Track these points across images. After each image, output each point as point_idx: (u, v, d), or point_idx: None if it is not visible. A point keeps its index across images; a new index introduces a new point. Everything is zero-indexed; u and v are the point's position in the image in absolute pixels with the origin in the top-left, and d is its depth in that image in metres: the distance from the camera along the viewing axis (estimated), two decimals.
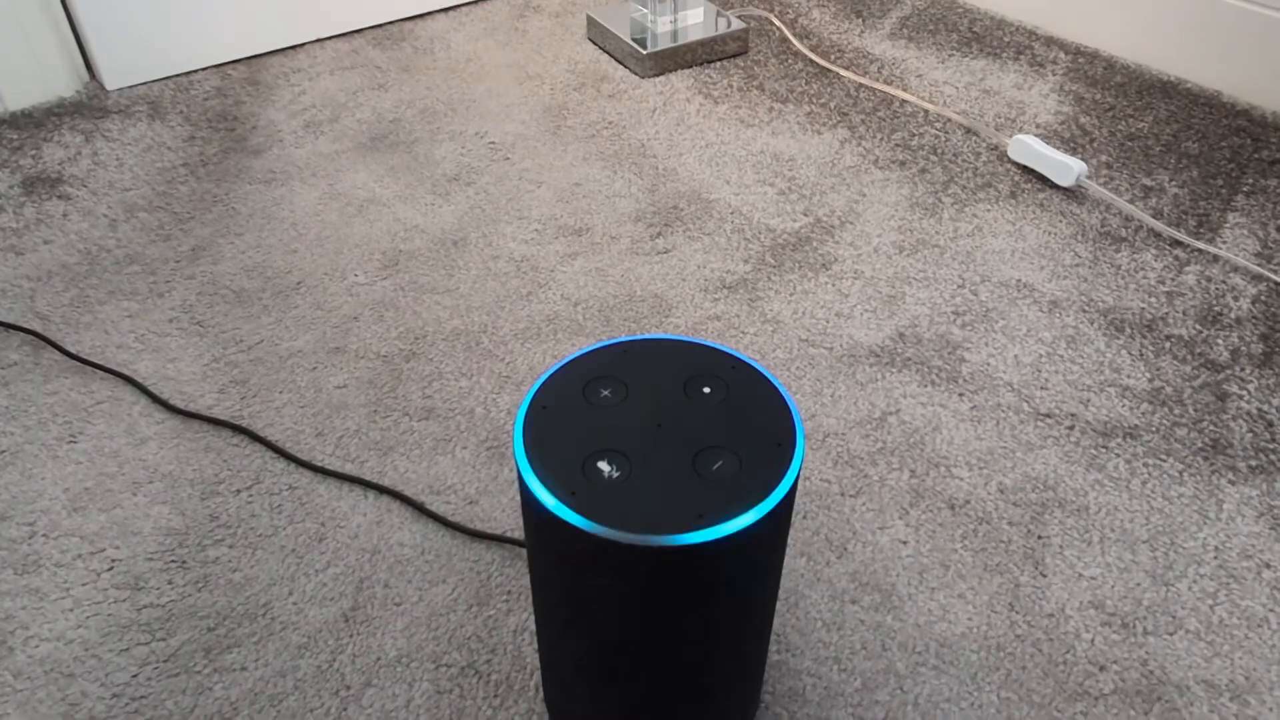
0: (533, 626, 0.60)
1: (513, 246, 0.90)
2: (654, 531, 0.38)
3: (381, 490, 0.68)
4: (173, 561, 0.63)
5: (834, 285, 0.86)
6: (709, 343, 0.46)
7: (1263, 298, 0.84)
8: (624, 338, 0.46)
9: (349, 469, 0.70)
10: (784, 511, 0.41)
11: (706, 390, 0.44)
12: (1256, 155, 1.01)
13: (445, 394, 0.75)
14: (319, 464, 0.70)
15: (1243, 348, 0.79)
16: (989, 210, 0.95)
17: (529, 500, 0.40)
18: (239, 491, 0.68)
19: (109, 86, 1.12)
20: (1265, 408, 0.74)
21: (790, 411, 0.43)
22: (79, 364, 0.78)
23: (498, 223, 0.93)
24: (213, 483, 0.69)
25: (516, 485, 0.68)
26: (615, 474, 0.40)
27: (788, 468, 0.40)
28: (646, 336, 0.47)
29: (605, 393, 0.44)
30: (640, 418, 0.43)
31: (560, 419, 0.42)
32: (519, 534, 0.65)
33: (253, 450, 0.71)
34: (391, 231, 0.92)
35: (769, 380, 0.45)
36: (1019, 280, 0.86)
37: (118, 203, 0.95)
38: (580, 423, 0.42)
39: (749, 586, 0.43)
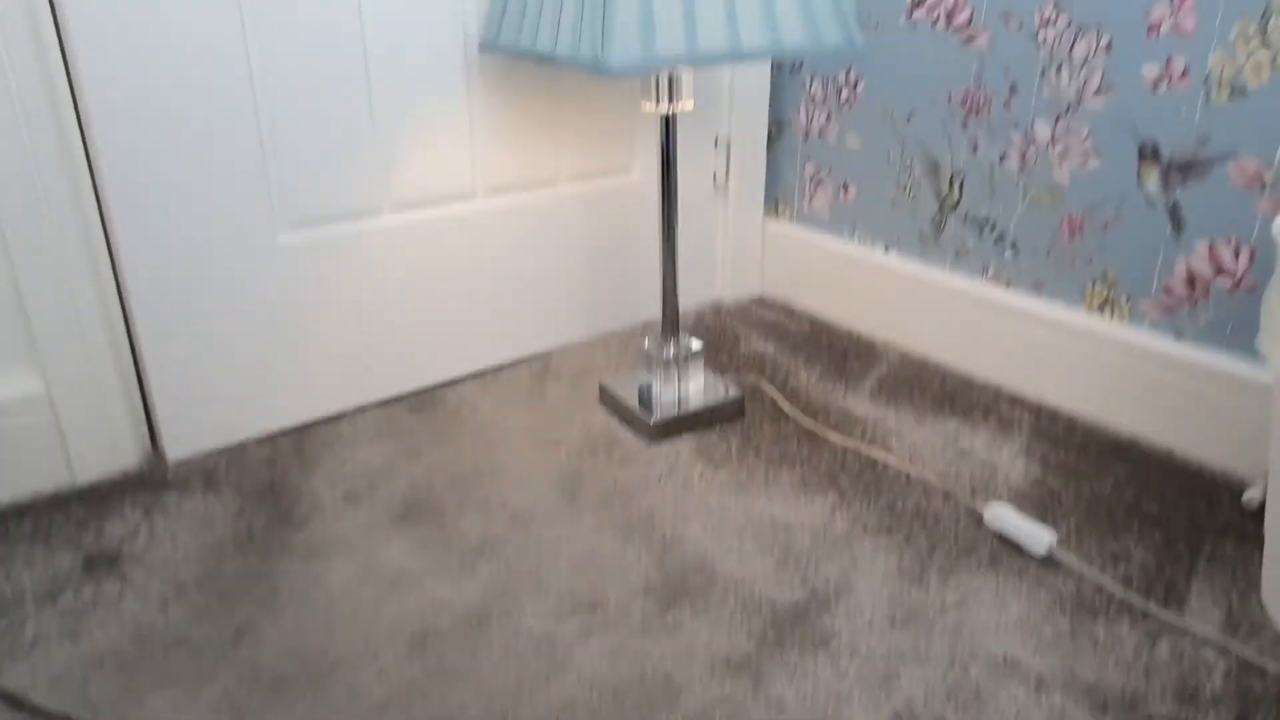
0: None
1: (532, 623, 0.97)
2: None
3: None
4: None
5: (832, 664, 0.92)
6: None
7: (1234, 673, 0.90)
8: None
9: None
10: None
11: None
12: (1212, 518, 1.10)
13: None
14: None
15: None
16: (972, 579, 1.03)
17: None
18: None
19: (171, 458, 1.24)
20: None
21: None
22: None
23: (519, 597, 1.01)
24: None
25: None
26: None
27: None
28: None
29: None
30: None
31: None
32: None
33: None
34: (420, 609, 0.99)
35: None
36: (1006, 655, 0.92)
37: (170, 580, 1.03)
38: None
39: None
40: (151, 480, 1.21)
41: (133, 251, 1.14)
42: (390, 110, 1.27)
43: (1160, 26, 1.16)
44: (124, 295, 1.18)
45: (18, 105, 1.05)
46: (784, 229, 1.74)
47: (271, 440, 1.29)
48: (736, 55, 1.00)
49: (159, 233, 1.15)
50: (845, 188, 1.62)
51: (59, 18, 1.05)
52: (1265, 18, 1.07)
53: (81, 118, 1.10)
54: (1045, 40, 1.28)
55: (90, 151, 1.11)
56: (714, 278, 1.76)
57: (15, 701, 0.88)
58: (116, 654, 0.94)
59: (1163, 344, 1.23)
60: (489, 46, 1.20)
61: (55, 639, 0.96)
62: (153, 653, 0.94)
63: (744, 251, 1.76)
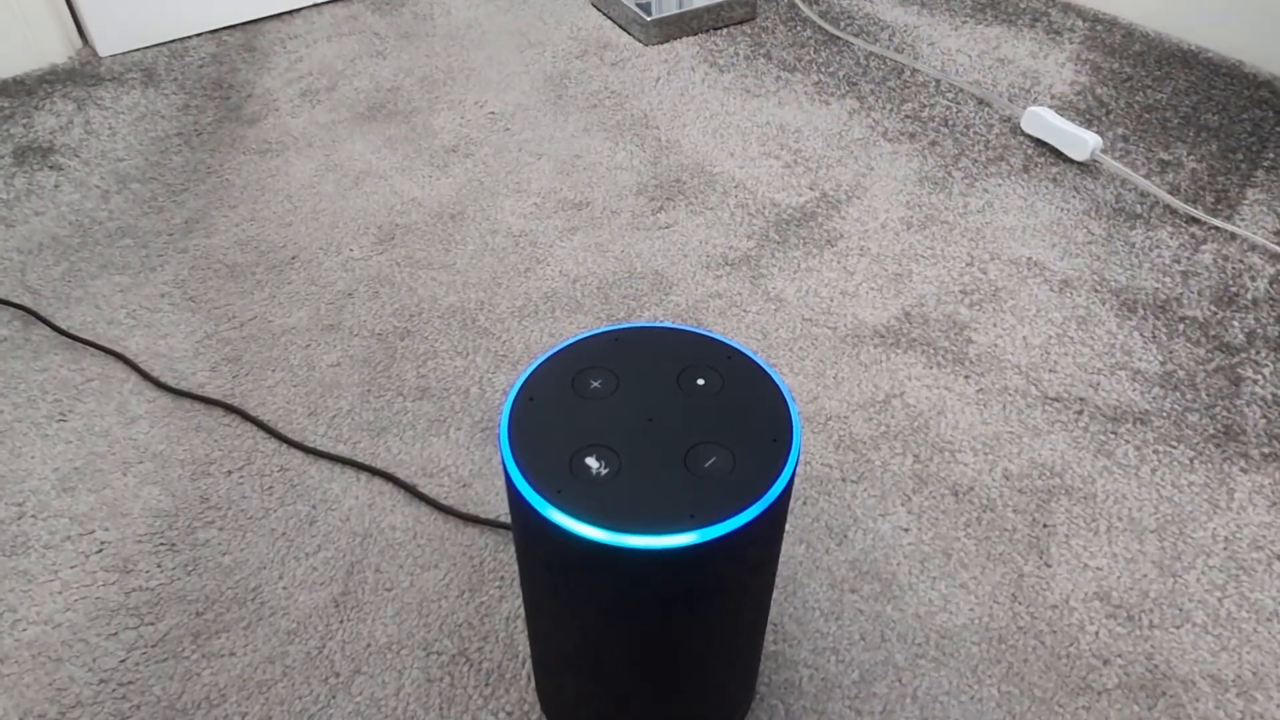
0: (525, 613, 0.59)
1: (511, 221, 0.88)
2: (643, 532, 0.36)
3: (374, 472, 0.67)
4: (162, 544, 0.62)
5: (839, 262, 0.84)
6: (703, 331, 0.45)
7: None
8: (615, 325, 0.45)
9: (341, 450, 0.68)
10: (778, 510, 0.40)
11: (700, 382, 0.42)
12: (1278, 129, 0.98)
13: (440, 373, 0.74)
14: (311, 444, 0.69)
15: (1259, 330, 0.77)
16: (1000, 185, 0.92)
17: (515, 498, 0.39)
18: (230, 472, 0.67)
19: (102, 53, 1.09)
20: None
21: (787, 405, 0.41)
22: (70, 340, 0.76)
23: (496, 196, 0.91)
24: (203, 463, 0.67)
25: None
26: (604, 471, 0.39)
27: (783, 465, 0.39)
28: (638, 324, 0.45)
29: (595, 384, 0.42)
30: (631, 411, 0.41)
31: (548, 412, 0.41)
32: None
33: (244, 430, 0.70)
34: (388, 204, 0.90)
35: (765, 371, 0.43)
36: (1029, 258, 0.84)
37: (110, 173, 0.93)
38: (569, 416, 0.41)
39: (742, 585, 0.41)
40: (83, 74, 1.07)
41: None
42: None
43: None
44: None
45: None
46: None
47: (216, 36, 1.13)
48: None
49: None
50: None
51: None
52: None
53: None
54: None
55: None
56: None
57: None
58: (56, 241, 0.86)
59: None
60: None
61: None
62: (95, 240, 0.86)
63: None
